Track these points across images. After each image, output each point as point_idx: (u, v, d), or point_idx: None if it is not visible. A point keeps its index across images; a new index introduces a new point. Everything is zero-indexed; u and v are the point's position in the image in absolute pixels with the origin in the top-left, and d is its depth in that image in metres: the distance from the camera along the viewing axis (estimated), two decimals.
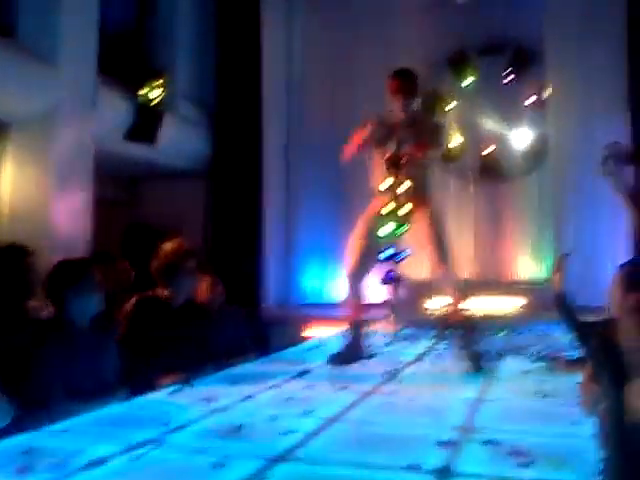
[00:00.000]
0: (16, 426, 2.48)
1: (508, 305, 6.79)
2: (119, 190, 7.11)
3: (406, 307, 5.78)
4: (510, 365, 4.00)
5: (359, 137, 4.11)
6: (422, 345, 4.87)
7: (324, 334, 5.55)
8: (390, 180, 3.98)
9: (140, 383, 3.26)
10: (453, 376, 3.66)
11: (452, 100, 8.12)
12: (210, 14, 7.28)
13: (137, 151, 6.15)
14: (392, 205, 3.94)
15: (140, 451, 2.27)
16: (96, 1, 5.53)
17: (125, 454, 2.23)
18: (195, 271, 3.90)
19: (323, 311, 6.59)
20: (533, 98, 7.91)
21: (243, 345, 4.32)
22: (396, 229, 3.94)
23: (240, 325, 4.42)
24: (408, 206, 3.93)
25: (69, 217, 5.14)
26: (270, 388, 3.34)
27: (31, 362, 2.84)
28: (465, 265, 7.66)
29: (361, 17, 7.60)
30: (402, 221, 3.95)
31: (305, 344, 5.19)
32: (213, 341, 3.99)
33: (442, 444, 2.30)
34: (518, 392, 3.16)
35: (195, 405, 2.96)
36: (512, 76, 8.06)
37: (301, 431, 2.50)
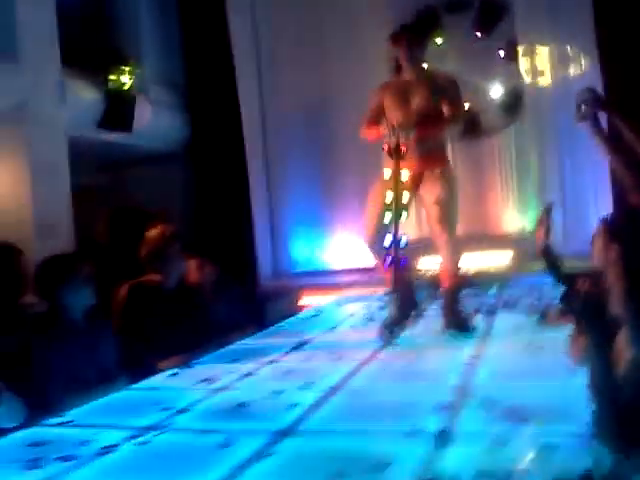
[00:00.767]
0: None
1: (495, 259, 6.85)
2: (101, 177, 7.05)
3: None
4: (503, 320, 4.07)
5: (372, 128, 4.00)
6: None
7: (319, 302, 5.60)
8: (389, 171, 3.84)
9: (139, 369, 3.30)
10: (447, 337, 3.72)
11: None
12: None
13: (113, 138, 6.09)
14: (392, 196, 3.81)
15: (147, 436, 2.30)
16: None
17: (132, 440, 2.27)
18: (182, 254, 3.91)
19: (316, 279, 6.62)
20: (505, 50, 7.86)
21: (239, 321, 4.35)
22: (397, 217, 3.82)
23: (234, 301, 4.44)
24: (407, 195, 3.83)
25: (50, 209, 5.12)
26: (269, 363, 3.38)
27: (30, 359, 2.86)
28: None
29: None
30: (403, 208, 3.84)
31: (301, 314, 5.23)
32: (208, 321, 4.02)
33: (440, 407, 2.35)
34: (512, 348, 3.22)
35: (196, 386, 3.00)
36: (482, 31, 7.99)
37: (303, 404, 2.54)
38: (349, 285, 5.15)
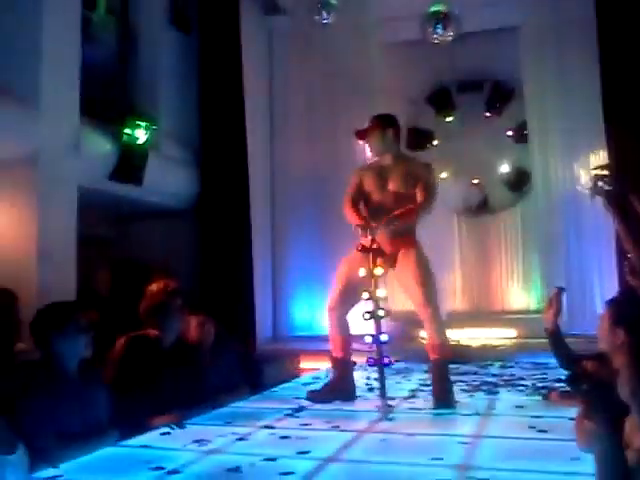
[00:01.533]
0: None
1: (499, 336, 6.80)
2: (106, 228, 7.08)
3: (397, 341, 5.76)
4: (505, 399, 3.99)
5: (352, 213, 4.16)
6: (415, 379, 4.84)
7: (318, 368, 5.51)
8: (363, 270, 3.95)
9: (131, 425, 3.21)
10: (448, 412, 3.64)
11: (434, 137, 8.26)
12: (193, 54, 7.37)
13: (123, 190, 6.14)
14: (367, 268, 3.92)
15: None
16: (78, 43, 5.56)
17: None
18: (182, 310, 3.88)
19: (315, 344, 6.56)
20: (513, 131, 8.05)
21: (235, 383, 4.27)
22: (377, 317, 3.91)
23: (232, 362, 4.37)
24: (380, 270, 3.91)
25: (54, 258, 5.11)
26: (264, 428, 3.30)
27: (19, 407, 2.79)
28: (453, 297, 7.71)
29: (342, 54, 7.71)
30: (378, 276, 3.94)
31: (298, 379, 5.15)
32: (204, 380, 3.95)
33: None
34: (514, 428, 3.14)
35: (188, 447, 2.92)
36: (492, 110, 8.21)
37: (299, 472, 2.47)
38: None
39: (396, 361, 5.57)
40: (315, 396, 3.99)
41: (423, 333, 6.64)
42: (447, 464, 2.54)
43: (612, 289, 5.51)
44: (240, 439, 3.07)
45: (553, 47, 7.19)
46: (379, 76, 7.65)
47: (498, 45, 7.67)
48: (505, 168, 8.15)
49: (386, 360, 3.93)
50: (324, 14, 7.10)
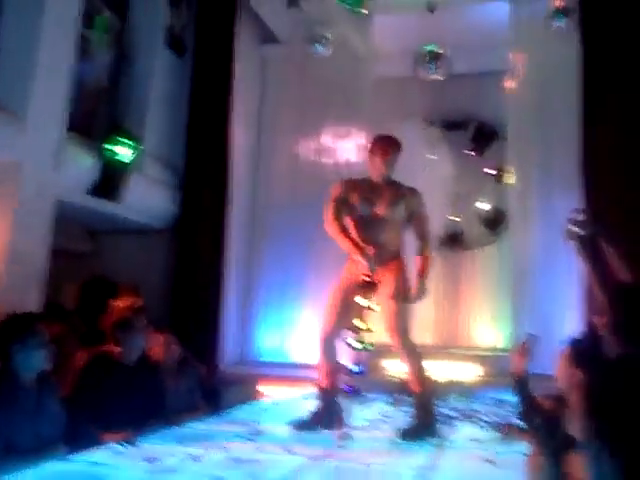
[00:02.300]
0: None
1: (464, 371, 6.81)
2: (82, 243, 7.04)
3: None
4: (462, 432, 3.99)
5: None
6: (376, 409, 4.82)
7: (279, 394, 5.48)
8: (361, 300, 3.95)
9: (84, 440, 3.18)
10: (406, 443, 3.63)
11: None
12: (184, 77, 7.42)
13: (101, 206, 6.14)
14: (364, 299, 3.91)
15: None
16: (72, 60, 5.60)
17: None
18: (147, 328, 3.87)
19: (280, 370, 6.53)
20: (494, 171, 8.18)
21: (194, 403, 4.24)
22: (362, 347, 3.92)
23: (192, 383, 4.34)
24: (374, 305, 3.92)
25: (24, 269, 5.07)
26: (217, 449, 3.27)
27: None
28: (424, 330, 7.72)
29: (330, 88, 7.84)
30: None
31: (258, 404, 5.11)
32: (163, 399, 3.92)
33: None
34: (469, 460, 3.15)
35: (138, 465, 2.88)
36: (474, 149, 8.36)
37: None
38: (312, 380, 5.07)
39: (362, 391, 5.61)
40: (301, 425, 3.90)
41: (387, 364, 6.72)
42: None
43: (574, 332, 5.56)
44: (192, 459, 3.04)
45: (536, 92, 7.35)
46: (368, 109, 7.77)
47: (484, 88, 7.85)
48: (483, 206, 8.27)
49: (350, 389, 3.90)
50: (318, 46, 7.25)
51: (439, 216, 8.15)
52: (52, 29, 5.28)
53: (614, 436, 1.54)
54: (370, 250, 3.91)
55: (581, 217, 2.91)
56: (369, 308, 3.91)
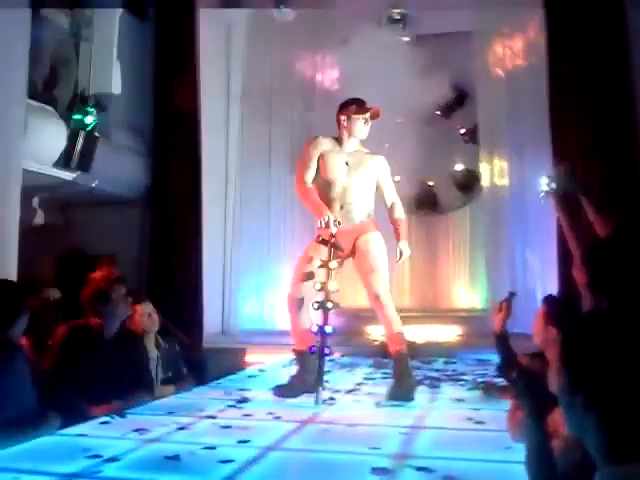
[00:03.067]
0: None
1: (443, 334, 6.92)
2: (52, 215, 6.92)
3: (344, 336, 5.81)
4: (445, 393, 4.07)
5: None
6: (360, 373, 4.88)
7: (263, 362, 5.52)
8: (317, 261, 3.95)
9: (70, 413, 3.16)
10: (389, 404, 3.69)
11: None
12: (149, 43, 7.27)
13: (70, 177, 6.02)
14: (322, 260, 3.90)
15: None
16: (29, 24, 5.41)
17: None
18: (125, 299, 3.82)
19: (263, 338, 6.56)
20: (466, 131, 8.20)
21: (179, 374, 4.24)
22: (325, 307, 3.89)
23: (176, 354, 4.34)
24: (334, 263, 3.90)
25: None
26: (206, 418, 3.28)
27: None
28: (401, 294, 7.80)
29: (297, 49, 7.73)
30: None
31: (243, 372, 5.14)
32: (146, 370, 3.91)
33: (377, 471, 2.32)
34: (452, 420, 3.21)
35: (127, 436, 2.88)
36: (442, 112, 8.35)
37: (238, 460, 2.47)
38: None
39: (342, 356, 5.68)
40: (281, 391, 3.89)
41: (369, 329, 6.81)
42: (385, 453, 2.58)
43: (553, 290, 5.68)
44: (181, 428, 3.04)
45: (503, 51, 7.36)
46: (334, 73, 7.69)
47: (452, 48, 7.81)
48: (455, 169, 8.30)
49: (326, 350, 3.90)
50: (281, 8, 7.13)
51: (411, 179, 8.15)
52: None
53: (590, 389, 1.58)
54: (330, 212, 3.93)
55: (561, 172, 2.93)
56: (333, 269, 3.90)
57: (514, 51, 7.31)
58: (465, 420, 3.17)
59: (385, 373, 4.90)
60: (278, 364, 5.23)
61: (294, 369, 4.10)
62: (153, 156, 7.03)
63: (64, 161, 5.83)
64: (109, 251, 5.89)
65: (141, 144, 7.05)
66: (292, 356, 4.26)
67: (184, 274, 6.65)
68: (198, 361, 4.80)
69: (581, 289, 3.46)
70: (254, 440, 2.79)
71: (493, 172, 7.49)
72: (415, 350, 5.84)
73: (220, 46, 7.92)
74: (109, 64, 6.83)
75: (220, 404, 3.63)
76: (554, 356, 1.95)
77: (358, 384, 4.44)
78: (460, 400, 3.77)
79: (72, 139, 5.87)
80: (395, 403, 3.67)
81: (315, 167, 4.11)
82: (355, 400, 3.88)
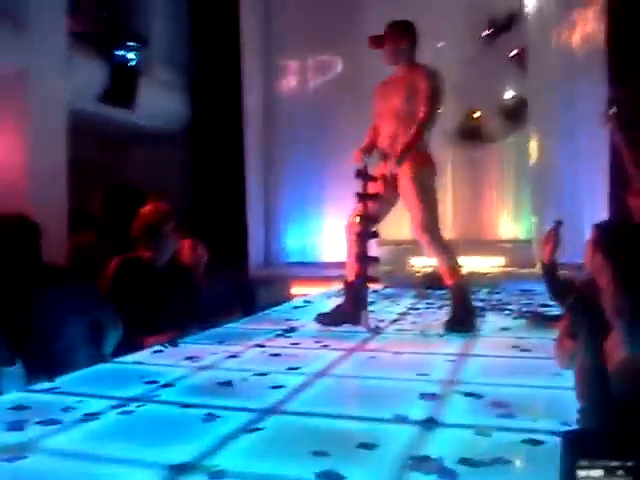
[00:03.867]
0: None
1: (488, 264, 6.89)
2: (98, 153, 7.02)
3: (387, 267, 5.84)
4: (491, 322, 4.08)
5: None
6: (404, 304, 4.92)
7: (309, 293, 5.60)
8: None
9: (124, 343, 3.28)
10: (434, 333, 3.72)
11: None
12: None
13: (115, 114, 6.05)
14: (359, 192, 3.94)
15: (130, 407, 2.30)
16: None
17: (115, 410, 2.26)
18: (175, 232, 3.88)
19: (307, 270, 6.63)
20: (515, 54, 7.85)
21: (227, 305, 4.34)
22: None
23: (224, 285, 4.43)
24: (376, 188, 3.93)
25: (45, 179, 5.08)
26: (255, 346, 3.37)
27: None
28: (444, 224, 7.72)
29: None
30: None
31: (290, 303, 5.23)
32: (196, 301, 4.01)
33: (426, 396, 2.36)
34: (499, 348, 3.23)
35: (180, 364, 2.99)
36: (493, 35, 8.01)
37: (288, 386, 2.54)
38: (339, 278, 5.17)
39: (385, 287, 5.72)
40: (324, 319, 3.93)
41: (412, 260, 6.81)
42: (433, 379, 2.63)
43: (601, 218, 5.55)
44: (232, 356, 3.14)
45: None
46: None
47: None
48: (502, 95, 8.02)
49: (370, 278, 3.93)
50: None
51: (454, 107, 7.93)
52: None
53: None
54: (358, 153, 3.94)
55: (623, 97, 2.83)
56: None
57: None
58: (511, 348, 3.19)
59: (428, 303, 4.95)
60: (323, 295, 5.31)
61: (339, 299, 4.14)
62: (193, 89, 6.99)
63: (107, 97, 5.84)
64: (154, 185, 5.95)
65: (181, 78, 7.01)
66: (337, 287, 4.31)
67: (227, 206, 6.69)
68: (244, 292, 4.90)
69: (636, 215, 3.38)
70: (303, 367, 2.86)
71: (542, 98, 7.24)
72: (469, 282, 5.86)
73: None
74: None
75: (268, 333, 3.72)
76: (607, 280, 1.93)
77: (402, 314, 4.48)
78: (506, 329, 3.78)
79: (115, 75, 5.86)
80: (441, 333, 3.70)
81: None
82: (400, 329, 3.92)
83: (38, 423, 2.10)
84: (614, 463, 1.30)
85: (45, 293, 2.96)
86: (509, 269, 6.71)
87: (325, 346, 3.36)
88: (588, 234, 2.70)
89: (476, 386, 2.47)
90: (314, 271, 6.51)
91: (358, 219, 3.91)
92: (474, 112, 8.04)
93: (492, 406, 2.23)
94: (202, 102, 6.95)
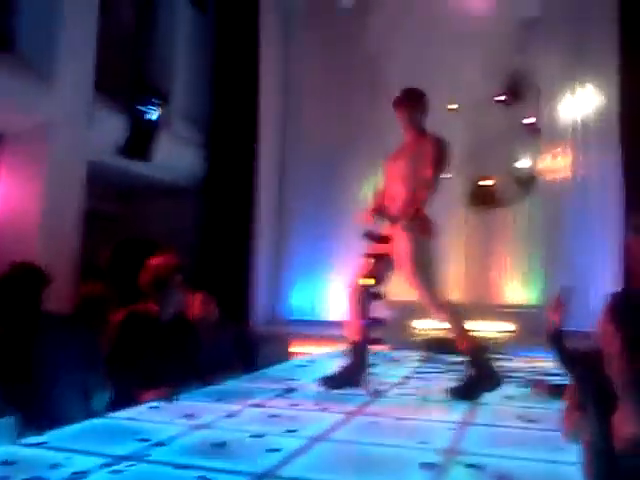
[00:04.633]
0: None
1: (496, 329, 6.79)
2: (112, 204, 7.11)
3: (392, 329, 5.76)
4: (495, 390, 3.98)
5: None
6: (408, 367, 4.84)
7: (311, 352, 5.53)
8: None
9: (122, 397, 3.24)
10: (438, 399, 3.64)
11: None
12: (209, 35, 7.35)
13: (132, 166, 6.15)
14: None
15: (120, 466, 2.24)
16: (95, 17, 5.55)
17: (106, 468, 2.21)
18: (183, 286, 3.88)
19: (311, 329, 6.57)
20: (529, 121, 7.93)
21: (230, 362, 4.29)
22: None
23: (228, 342, 4.39)
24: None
25: (58, 230, 5.13)
26: (254, 406, 3.31)
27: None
28: (456, 288, 7.67)
29: (359, 40, 7.65)
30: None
31: (292, 362, 5.17)
32: (200, 357, 3.96)
33: (427, 466, 2.29)
34: (502, 417, 3.14)
35: (177, 421, 2.93)
36: (508, 100, 8.11)
37: (286, 449, 2.48)
38: (343, 338, 5.13)
39: (393, 348, 5.64)
40: (329, 383, 3.86)
41: (417, 323, 6.73)
42: (434, 448, 2.55)
43: (612, 289, 5.49)
44: (229, 416, 3.08)
45: (571, 47, 7.14)
46: (394, 63, 7.59)
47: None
48: (515, 162, 8.05)
49: (373, 340, 3.93)
50: None
51: (470, 171, 7.96)
52: None
53: None
54: (366, 211, 4.01)
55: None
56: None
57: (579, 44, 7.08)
58: (516, 418, 3.10)
59: (434, 367, 4.86)
60: (326, 355, 5.24)
61: (343, 361, 4.08)
62: (210, 146, 7.11)
63: (126, 150, 5.95)
64: (165, 238, 5.99)
65: (199, 134, 7.14)
66: (340, 348, 4.25)
67: (236, 264, 6.71)
68: (249, 349, 4.85)
69: None
70: (301, 430, 2.79)
71: (555, 165, 7.29)
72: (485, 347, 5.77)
73: (279, 36, 7.93)
74: (171, 56, 6.94)
75: (268, 393, 3.66)
76: (619, 352, 1.88)
77: (406, 377, 4.40)
78: (510, 397, 3.68)
79: (135, 129, 5.97)
80: (444, 399, 3.62)
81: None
82: (402, 394, 3.84)
83: None
84: None
85: (44, 341, 2.94)
86: (517, 335, 6.61)
87: (325, 409, 3.29)
88: (596, 303, 2.66)
89: (478, 457, 2.39)
90: (319, 330, 6.45)
91: (362, 280, 3.88)
92: (487, 177, 8.09)
93: (495, 479, 2.15)
94: (217, 159, 7.07)
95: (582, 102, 7.10)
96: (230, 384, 3.91)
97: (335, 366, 4.12)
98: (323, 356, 5.24)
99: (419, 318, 6.49)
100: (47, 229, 5.06)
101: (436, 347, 5.60)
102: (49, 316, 3.11)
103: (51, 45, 5.11)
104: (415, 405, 3.48)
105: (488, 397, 3.73)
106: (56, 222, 5.13)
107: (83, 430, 2.73)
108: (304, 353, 5.58)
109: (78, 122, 5.33)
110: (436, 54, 7.78)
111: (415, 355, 5.33)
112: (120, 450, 2.42)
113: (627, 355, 1.86)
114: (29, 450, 2.42)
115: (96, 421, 2.88)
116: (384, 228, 4.02)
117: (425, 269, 3.84)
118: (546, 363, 4.69)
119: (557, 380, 3.69)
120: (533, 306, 7.16)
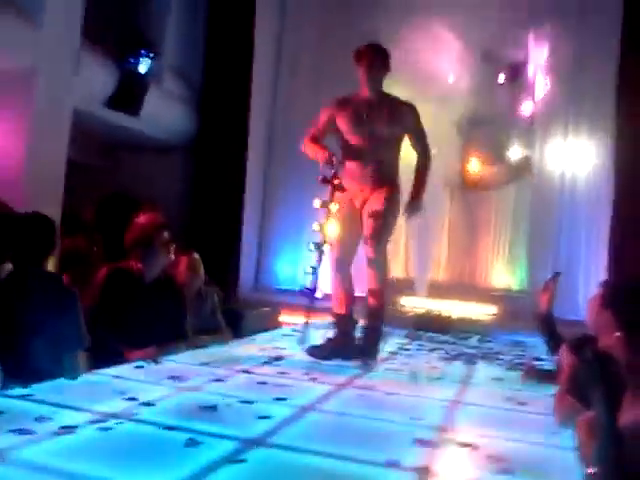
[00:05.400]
0: None
1: (479, 311, 6.82)
2: (99, 157, 6.92)
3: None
4: (483, 371, 3.97)
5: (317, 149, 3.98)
6: (394, 342, 4.82)
7: (297, 321, 5.47)
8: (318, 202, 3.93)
9: (106, 355, 3.16)
10: (426, 376, 3.61)
11: None
12: None
13: (119, 120, 5.98)
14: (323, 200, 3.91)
15: (108, 423, 2.18)
16: None
17: (93, 425, 2.15)
18: (169, 245, 3.77)
19: (296, 298, 6.50)
20: (525, 104, 7.88)
21: (216, 326, 4.22)
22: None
23: (214, 306, 4.31)
24: (336, 206, 3.90)
25: (42, 177, 4.97)
26: (242, 372, 3.26)
27: None
28: (437, 267, 7.66)
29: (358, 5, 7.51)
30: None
31: (278, 330, 5.11)
32: (184, 319, 3.88)
33: (420, 442, 2.25)
34: (492, 398, 3.12)
35: (163, 382, 2.87)
36: (504, 83, 8.05)
37: (276, 417, 2.43)
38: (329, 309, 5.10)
39: None
40: (315, 352, 3.83)
41: (404, 300, 6.72)
42: (427, 424, 2.52)
43: (598, 278, 5.52)
44: (217, 380, 3.02)
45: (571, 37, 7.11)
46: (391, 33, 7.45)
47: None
48: (513, 152, 8.01)
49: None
50: None
51: (455, 157, 7.90)
52: None
53: None
54: (329, 154, 3.86)
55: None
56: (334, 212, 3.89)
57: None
58: (506, 400, 3.08)
59: (420, 345, 4.86)
60: (313, 325, 5.19)
61: (330, 332, 4.03)
62: (201, 104, 6.94)
63: (114, 103, 5.77)
64: (152, 196, 5.85)
65: (190, 91, 6.97)
66: (328, 319, 4.22)
67: (224, 225, 6.60)
68: (235, 315, 4.78)
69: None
70: (290, 399, 2.74)
71: (544, 155, 7.28)
72: (449, 325, 5.79)
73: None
74: (165, 8, 6.72)
75: (255, 360, 3.61)
76: (618, 339, 1.86)
77: (392, 353, 4.38)
78: (498, 379, 3.68)
79: (124, 81, 5.80)
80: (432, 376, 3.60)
81: (327, 122, 4.05)
82: (390, 369, 3.81)
83: (10, 432, 1.97)
84: None
85: (23, 292, 2.83)
86: (499, 318, 6.64)
87: (314, 379, 3.25)
88: (581, 292, 2.64)
89: (471, 437, 2.36)
90: (303, 300, 6.39)
91: (317, 227, 3.87)
92: (475, 158, 8.05)
93: (489, 460, 2.12)
94: (208, 117, 6.90)
95: (578, 95, 7.08)
96: (216, 349, 3.84)
97: (320, 336, 4.08)
98: (310, 326, 5.20)
99: (406, 295, 6.49)
100: (31, 178, 4.91)
101: (423, 324, 5.61)
102: (31, 269, 2.99)
103: None
104: (403, 381, 3.44)
105: (477, 377, 3.73)
106: (40, 172, 4.97)
107: (69, 385, 2.67)
108: (291, 323, 5.52)
109: (64, 68, 5.16)
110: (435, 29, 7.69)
111: (402, 332, 5.31)
112: (107, 407, 2.36)
113: (626, 340, 1.85)
114: (14, 401, 2.35)
115: (83, 377, 2.80)
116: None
117: (388, 223, 3.88)
118: (531, 348, 4.71)
119: (544, 365, 3.69)
120: (516, 291, 7.20)
